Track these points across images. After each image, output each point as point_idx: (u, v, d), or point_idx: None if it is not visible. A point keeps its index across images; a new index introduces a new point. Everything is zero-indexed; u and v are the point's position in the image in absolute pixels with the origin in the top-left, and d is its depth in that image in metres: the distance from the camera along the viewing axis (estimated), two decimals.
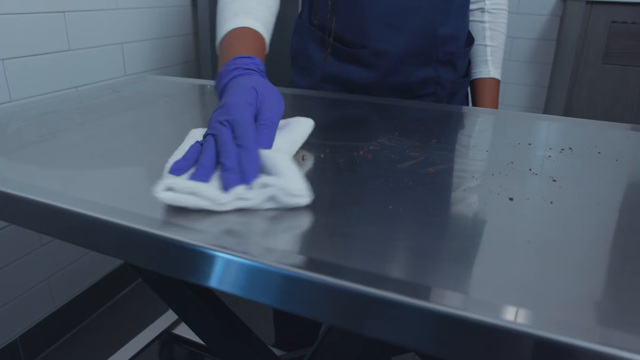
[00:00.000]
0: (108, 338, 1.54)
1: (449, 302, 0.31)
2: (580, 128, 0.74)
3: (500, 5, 0.94)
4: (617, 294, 0.34)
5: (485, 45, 0.95)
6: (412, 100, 0.88)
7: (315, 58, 0.91)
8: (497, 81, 0.95)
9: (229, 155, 0.47)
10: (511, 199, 0.46)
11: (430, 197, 0.48)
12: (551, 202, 0.46)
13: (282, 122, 0.60)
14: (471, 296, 0.32)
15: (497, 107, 0.96)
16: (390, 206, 0.45)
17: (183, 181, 0.44)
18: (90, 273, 1.65)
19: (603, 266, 0.37)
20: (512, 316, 0.30)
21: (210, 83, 1.02)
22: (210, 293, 0.67)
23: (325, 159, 0.57)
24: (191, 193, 0.43)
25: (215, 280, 0.38)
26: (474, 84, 0.97)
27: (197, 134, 0.57)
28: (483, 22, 0.94)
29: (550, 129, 0.74)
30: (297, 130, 0.60)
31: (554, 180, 0.51)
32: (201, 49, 1.90)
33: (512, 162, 0.56)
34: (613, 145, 0.65)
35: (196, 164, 0.48)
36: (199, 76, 1.99)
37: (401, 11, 0.80)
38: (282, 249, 0.38)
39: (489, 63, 0.95)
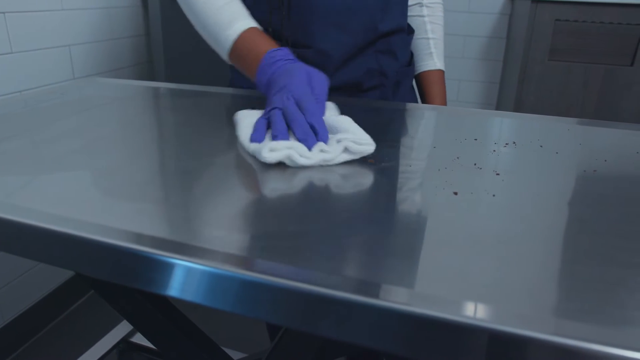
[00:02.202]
0: (64, 350, 1.49)
1: (400, 299, 0.32)
2: (526, 123, 0.77)
3: (435, 0, 0.98)
4: (564, 284, 0.35)
5: (428, 39, 0.97)
6: (360, 98, 0.89)
7: None
8: (443, 72, 0.99)
9: (301, 123, 0.57)
10: (455, 194, 0.48)
11: (375, 193, 0.49)
12: (494, 195, 0.48)
13: None
14: (419, 292, 0.33)
15: (445, 97, 0.99)
16: (337, 204, 0.45)
17: (280, 142, 0.54)
18: (41, 285, 1.59)
19: (546, 256, 0.38)
20: (464, 310, 0.31)
21: (164, 85, 1.00)
22: (165, 300, 0.66)
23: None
24: (289, 147, 0.53)
25: (170, 287, 0.37)
26: (420, 77, 0.99)
27: (248, 114, 0.65)
28: (422, 16, 0.97)
29: (497, 125, 0.76)
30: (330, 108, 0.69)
31: (497, 174, 0.53)
32: (154, 51, 1.86)
33: (457, 158, 0.58)
34: (555, 139, 0.68)
35: (271, 134, 0.57)
36: (152, 78, 1.95)
37: (345, 10, 0.81)
38: (229, 252, 0.37)
39: (434, 55, 0.97)
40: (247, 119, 0.64)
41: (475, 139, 0.66)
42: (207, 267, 0.36)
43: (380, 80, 0.89)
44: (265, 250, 0.38)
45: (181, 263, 0.36)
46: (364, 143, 0.55)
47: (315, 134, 0.56)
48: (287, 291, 0.33)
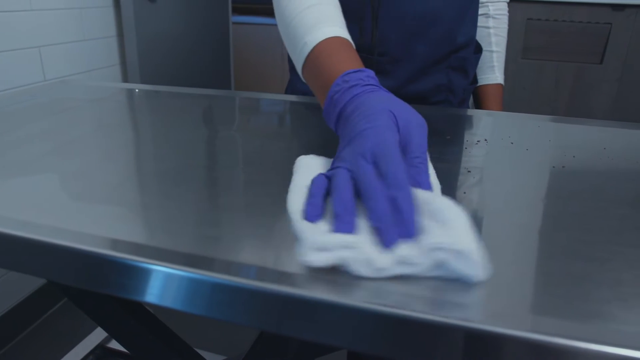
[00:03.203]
0: (40, 357, 1.46)
1: (374, 299, 0.32)
2: (497, 121, 0.78)
3: (503, 11, 0.96)
4: (532, 279, 0.36)
5: (492, 51, 0.95)
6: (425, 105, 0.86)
7: None
8: (502, 86, 0.97)
9: (378, 198, 0.37)
10: None
11: None
12: (464, 193, 0.48)
13: None
14: (393, 291, 0.33)
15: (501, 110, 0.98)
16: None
17: (334, 236, 0.35)
18: (12, 293, 1.55)
19: (515, 252, 0.39)
20: (435, 309, 0.31)
21: (138, 87, 0.98)
22: (139, 305, 0.65)
23: None
24: (347, 247, 0.34)
25: (145, 293, 0.37)
26: (479, 89, 0.97)
27: (310, 164, 0.47)
28: (488, 27, 0.95)
29: (469, 123, 0.77)
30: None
31: (469, 171, 0.54)
32: (127, 52, 1.83)
33: (429, 155, 0.59)
34: (525, 135, 0.69)
35: (333, 209, 0.37)
36: (125, 80, 1.92)
37: (425, 19, 0.78)
38: (203, 255, 0.37)
39: (496, 69, 0.95)
40: (305, 173, 0.45)
41: (448, 137, 0.66)
42: (183, 272, 0.35)
43: (446, 96, 0.87)
44: (234, 251, 0.38)
45: (157, 268, 0.36)
46: (473, 261, 0.33)
47: (399, 214, 0.36)
48: (258, 293, 0.33)
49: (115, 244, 0.39)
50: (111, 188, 0.49)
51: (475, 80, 0.96)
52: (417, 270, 0.34)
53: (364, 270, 0.34)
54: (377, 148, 0.40)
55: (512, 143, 0.64)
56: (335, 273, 0.35)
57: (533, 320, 0.30)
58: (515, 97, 2.20)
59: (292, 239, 0.39)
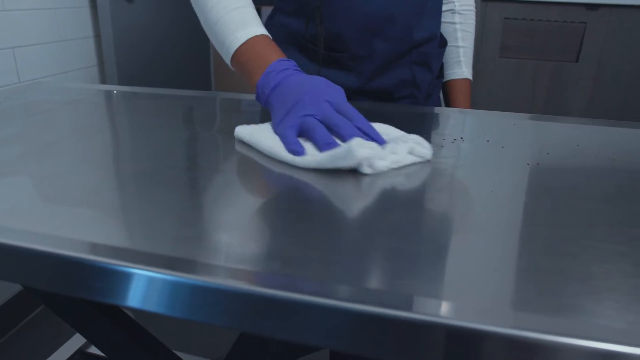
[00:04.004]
0: None
1: (353, 297, 0.32)
2: (474, 119, 0.79)
3: (469, 7, 0.97)
4: (505, 275, 0.37)
5: (458, 47, 0.96)
6: (391, 103, 0.88)
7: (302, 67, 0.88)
8: (470, 81, 0.98)
9: (350, 128, 0.54)
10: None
11: (330, 190, 0.49)
12: (440, 190, 0.49)
13: None
14: (371, 289, 0.34)
15: (469, 106, 0.99)
16: (290, 204, 0.46)
17: (359, 139, 0.50)
18: None
19: (489, 248, 0.40)
20: (414, 306, 0.32)
21: (116, 88, 0.97)
22: (117, 309, 0.64)
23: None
24: (370, 148, 0.49)
25: (124, 297, 0.36)
26: (447, 85, 0.98)
27: (257, 129, 0.61)
28: (454, 23, 0.96)
29: (446, 121, 0.78)
30: None
31: (445, 169, 0.55)
32: (104, 53, 1.81)
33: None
34: (501, 133, 0.70)
35: (317, 143, 0.54)
36: (103, 82, 1.90)
37: (382, 17, 0.80)
38: (183, 257, 0.37)
39: (462, 64, 0.96)
40: (259, 133, 0.60)
41: (424, 136, 0.67)
42: (163, 275, 0.35)
43: (411, 91, 0.88)
44: (214, 253, 0.38)
45: (136, 272, 0.35)
46: (426, 146, 0.55)
47: (367, 135, 0.55)
48: (236, 294, 0.33)
49: (93, 247, 0.38)
50: (88, 190, 0.49)
51: (441, 75, 0.97)
52: (401, 157, 0.53)
53: (379, 164, 0.50)
54: (332, 98, 0.57)
55: (488, 141, 0.65)
56: (316, 272, 0.35)
57: (506, 315, 0.31)
58: (494, 95, 2.22)
59: (272, 240, 0.39)
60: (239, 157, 0.59)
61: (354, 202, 0.47)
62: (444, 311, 0.31)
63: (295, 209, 0.45)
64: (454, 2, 0.96)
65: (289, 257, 0.37)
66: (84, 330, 0.64)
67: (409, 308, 0.31)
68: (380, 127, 0.59)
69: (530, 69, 2.17)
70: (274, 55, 0.66)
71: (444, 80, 0.99)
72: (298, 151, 0.53)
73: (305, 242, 0.39)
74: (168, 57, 2.09)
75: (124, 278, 0.36)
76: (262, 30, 0.70)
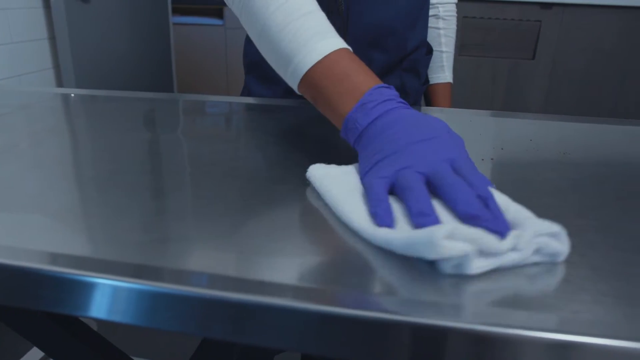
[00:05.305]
0: None
1: (316, 299, 0.32)
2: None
3: (452, 12, 0.99)
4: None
5: (442, 52, 0.98)
6: None
7: None
8: (451, 84, 1.01)
9: (470, 192, 0.38)
10: None
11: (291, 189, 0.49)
12: None
13: None
14: (329, 290, 0.34)
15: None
16: (248, 202, 0.46)
17: (461, 226, 0.34)
18: None
19: None
20: (379, 304, 0.32)
21: (74, 91, 0.94)
22: (76, 320, 0.63)
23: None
24: (472, 240, 0.34)
25: (85, 308, 0.35)
26: (429, 88, 1.00)
27: (335, 174, 0.47)
28: (438, 28, 0.98)
29: None
30: None
31: None
32: (60, 55, 1.76)
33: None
34: (457, 129, 0.71)
35: (411, 211, 0.38)
36: (59, 85, 1.85)
37: (380, 30, 0.80)
38: (137, 263, 0.37)
39: (445, 68, 0.99)
40: (337, 181, 0.45)
41: None
42: (123, 283, 0.34)
43: (401, 98, 0.89)
44: (176, 258, 0.37)
45: (95, 281, 0.35)
46: (564, 241, 0.36)
47: (491, 211, 0.37)
48: (189, 299, 0.33)
49: (49, 257, 0.37)
50: (42, 197, 0.47)
51: (426, 81, 0.99)
52: (522, 256, 0.35)
53: (484, 264, 0.34)
54: (458, 156, 0.42)
55: None
56: (285, 276, 0.35)
57: (468, 311, 0.32)
58: (454, 93, 2.26)
59: (236, 243, 0.39)
60: (204, 159, 0.59)
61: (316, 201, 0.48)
62: (410, 310, 0.31)
63: (256, 209, 0.45)
64: (438, 7, 0.98)
65: (253, 259, 0.37)
66: (41, 343, 0.62)
67: (375, 308, 0.31)
68: (499, 199, 0.40)
69: (489, 67, 2.23)
70: (367, 78, 0.51)
71: (429, 84, 1.01)
72: (381, 216, 0.38)
73: (272, 241, 0.39)
74: (128, 59, 2.04)
75: (82, 287, 0.35)
76: (344, 43, 0.54)
